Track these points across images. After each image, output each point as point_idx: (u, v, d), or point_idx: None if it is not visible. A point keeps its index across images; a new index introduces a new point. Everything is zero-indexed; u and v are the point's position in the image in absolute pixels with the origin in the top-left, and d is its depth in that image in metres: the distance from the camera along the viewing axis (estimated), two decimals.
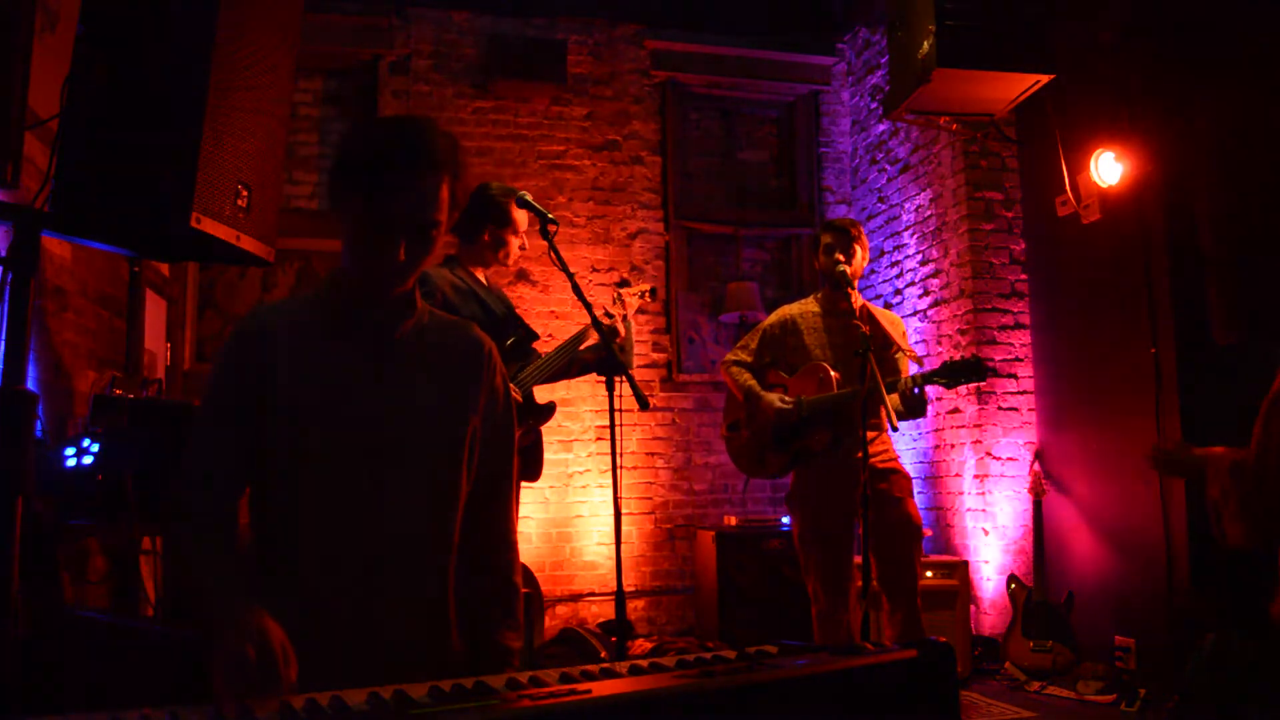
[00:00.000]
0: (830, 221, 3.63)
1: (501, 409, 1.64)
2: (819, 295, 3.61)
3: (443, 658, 1.50)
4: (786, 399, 3.43)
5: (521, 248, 3.26)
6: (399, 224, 1.44)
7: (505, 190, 3.18)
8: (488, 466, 1.60)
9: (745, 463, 3.65)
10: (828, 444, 3.35)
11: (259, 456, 1.45)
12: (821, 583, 3.37)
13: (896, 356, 3.46)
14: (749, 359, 3.60)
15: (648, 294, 3.43)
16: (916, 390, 3.18)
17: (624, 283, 3.63)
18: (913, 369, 3.49)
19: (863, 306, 3.51)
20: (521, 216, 3.18)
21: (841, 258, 3.43)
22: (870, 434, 3.32)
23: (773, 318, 3.64)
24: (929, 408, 5.38)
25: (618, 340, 3.25)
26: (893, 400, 3.24)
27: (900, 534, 3.32)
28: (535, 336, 3.35)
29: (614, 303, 3.33)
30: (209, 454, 1.46)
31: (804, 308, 3.61)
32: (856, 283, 3.48)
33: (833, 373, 3.38)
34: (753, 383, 3.54)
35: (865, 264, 3.57)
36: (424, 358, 1.55)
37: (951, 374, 3.14)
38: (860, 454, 3.00)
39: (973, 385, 4.96)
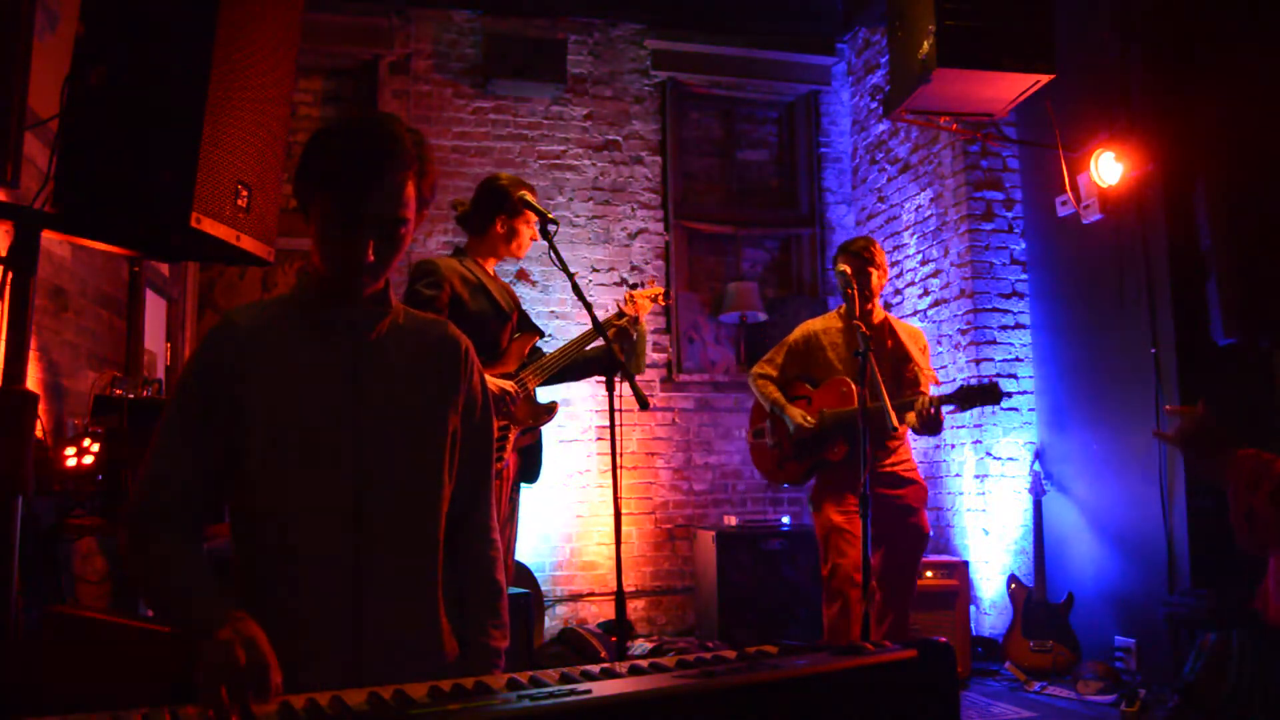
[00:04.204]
0: (846, 245, 3.63)
1: (480, 408, 1.63)
2: (842, 310, 3.70)
3: (435, 659, 1.50)
4: (809, 416, 3.56)
5: (533, 239, 3.23)
6: (367, 223, 1.43)
7: (515, 181, 3.15)
8: (468, 465, 1.60)
9: (767, 469, 3.83)
10: (845, 456, 3.48)
11: (238, 463, 1.44)
12: (841, 580, 3.43)
13: (914, 369, 3.55)
14: (774, 373, 3.73)
15: (660, 296, 3.42)
16: (933, 410, 3.30)
17: (637, 285, 3.66)
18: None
19: (884, 320, 3.60)
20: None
21: (855, 286, 3.46)
22: (892, 443, 3.52)
23: (797, 333, 3.77)
24: None
25: (632, 337, 3.24)
26: (910, 419, 3.41)
27: (910, 542, 3.49)
28: (540, 333, 3.32)
29: (626, 303, 3.32)
30: (175, 455, 1.44)
31: (827, 323, 3.73)
32: (878, 298, 3.61)
33: (854, 386, 3.46)
34: (777, 395, 3.67)
35: (885, 280, 3.64)
36: (401, 358, 1.54)
37: (966, 399, 3.33)
38: (883, 461, 3.07)
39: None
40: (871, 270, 3.54)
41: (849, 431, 3.46)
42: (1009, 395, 4.96)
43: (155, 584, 1.38)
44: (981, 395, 3.31)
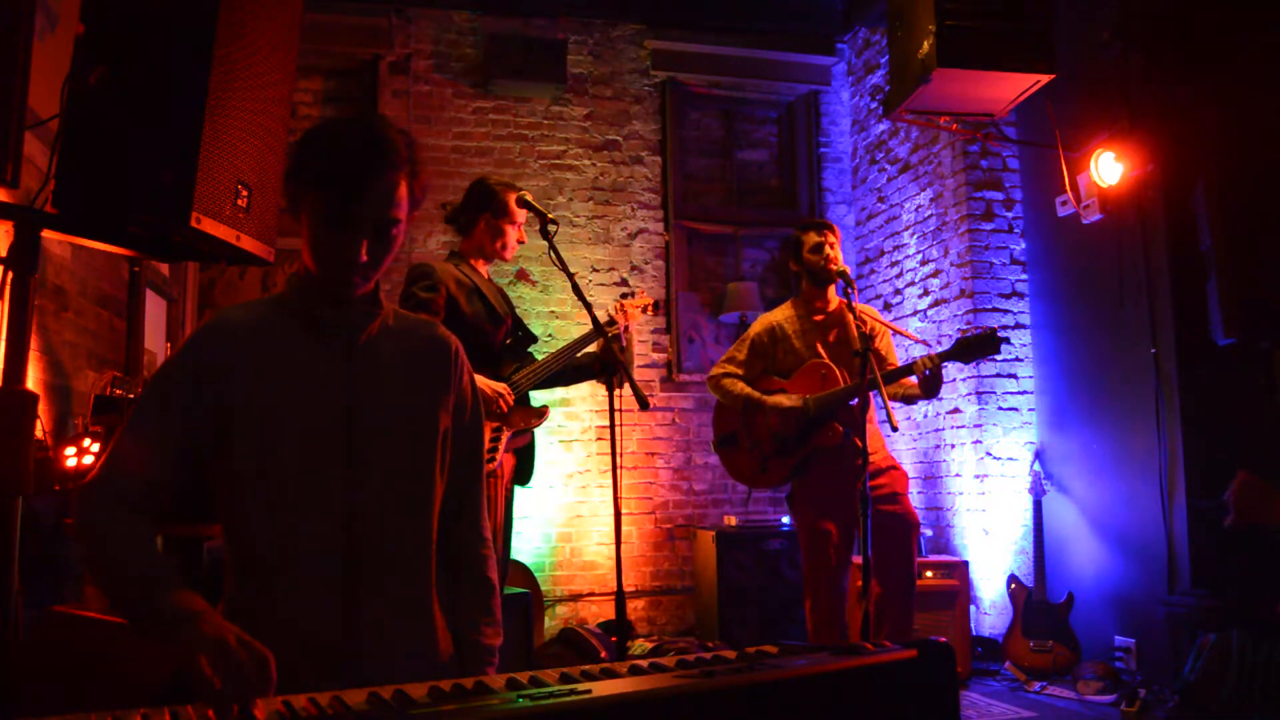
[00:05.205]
0: (809, 221, 3.65)
1: (470, 408, 1.64)
2: (795, 299, 3.65)
3: (431, 658, 1.50)
4: (793, 398, 3.43)
5: (520, 241, 3.25)
6: (360, 224, 1.43)
7: (503, 183, 3.20)
8: (460, 465, 1.61)
9: (747, 475, 3.63)
10: (841, 438, 3.36)
11: (227, 462, 1.43)
12: (822, 581, 3.39)
13: (880, 349, 3.53)
14: (740, 371, 3.60)
15: (649, 306, 3.43)
16: (930, 371, 3.22)
17: (626, 295, 3.66)
18: (899, 347, 3.54)
19: (840, 305, 3.56)
20: (519, 209, 3.18)
21: (832, 254, 3.48)
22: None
23: (758, 327, 3.65)
24: (926, 405, 5.39)
25: (622, 344, 3.25)
26: (904, 386, 3.34)
27: (897, 529, 3.38)
28: (534, 339, 3.34)
29: (617, 312, 3.34)
30: (146, 443, 1.42)
31: (785, 314, 3.65)
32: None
33: (835, 367, 3.41)
34: (749, 390, 3.53)
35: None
36: (392, 358, 1.54)
37: (966, 350, 3.21)
38: (859, 447, 3.02)
39: (973, 387, 4.96)
40: (833, 242, 3.53)
41: (838, 414, 3.40)
42: (1003, 360, 4.96)
43: (113, 568, 1.34)
44: (980, 345, 3.19)
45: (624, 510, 4.70)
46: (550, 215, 2.74)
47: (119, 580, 1.33)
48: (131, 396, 3.07)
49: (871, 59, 6.06)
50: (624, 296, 3.56)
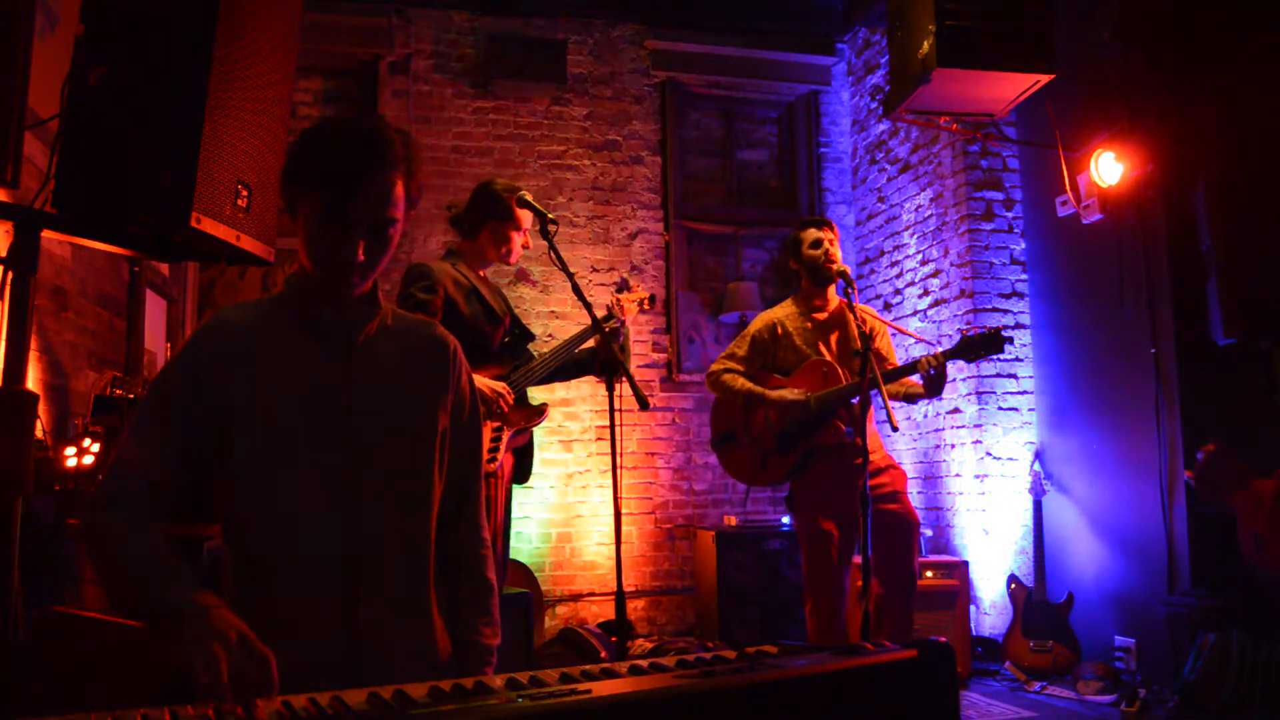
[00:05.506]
0: (809, 219, 3.65)
1: (468, 408, 1.64)
2: (795, 297, 3.65)
3: (429, 658, 1.50)
4: (797, 391, 3.42)
5: (525, 247, 3.25)
6: (357, 223, 1.43)
7: (508, 187, 3.18)
8: (458, 464, 1.61)
9: (746, 472, 3.62)
10: (844, 436, 3.36)
11: (227, 463, 1.43)
12: (823, 582, 3.38)
13: (880, 349, 3.53)
14: (740, 367, 3.59)
15: (646, 301, 3.43)
16: (934, 370, 3.23)
17: (622, 288, 3.64)
18: (899, 347, 3.54)
19: (840, 304, 3.56)
20: (524, 214, 3.18)
21: (831, 251, 3.48)
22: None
23: (759, 324, 3.65)
24: (926, 406, 5.39)
25: (619, 340, 3.25)
26: (906, 385, 3.34)
27: (898, 529, 3.38)
28: (532, 337, 3.35)
29: (613, 306, 3.34)
30: (148, 445, 1.42)
31: (786, 311, 3.65)
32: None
33: (837, 365, 3.41)
34: (751, 385, 3.52)
35: None
36: (390, 358, 1.55)
37: (970, 348, 3.22)
38: (860, 446, 3.02)
39: (973, 387, 4.96)
40: (832, 239, 3.53)
41: (840, 412, 3.41)
42: (1003, 360, 4.96)
43: (113, 569, 1.35)
44: (985, 344, 3.22)
45: (624, 510, 4.70)
46: (550, 215, 2.75)
47: (119, 580, 1.34)
48: (132, 397, 3.07)
49: (871, 59, 6.06)
50: (619, 291, 3.55)
